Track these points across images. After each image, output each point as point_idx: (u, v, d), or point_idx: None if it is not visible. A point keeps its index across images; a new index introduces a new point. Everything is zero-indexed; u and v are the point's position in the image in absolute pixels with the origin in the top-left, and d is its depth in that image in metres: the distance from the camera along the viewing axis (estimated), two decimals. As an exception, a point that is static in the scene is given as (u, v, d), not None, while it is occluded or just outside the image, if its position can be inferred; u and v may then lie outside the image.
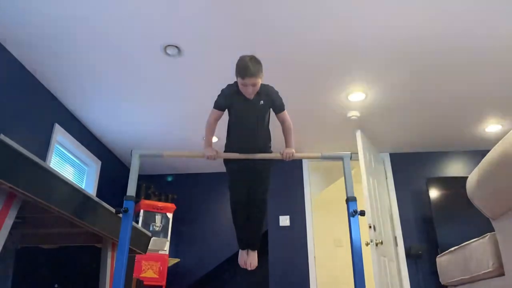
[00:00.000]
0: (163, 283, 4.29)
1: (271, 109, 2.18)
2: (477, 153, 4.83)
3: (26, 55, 3.24)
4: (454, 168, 4.97)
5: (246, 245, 2.51)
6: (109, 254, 2.17)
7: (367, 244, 3.69)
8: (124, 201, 1.94)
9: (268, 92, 2.12)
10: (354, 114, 4.15)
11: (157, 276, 4.29)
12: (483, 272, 1.96)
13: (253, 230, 2.46)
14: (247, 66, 1.97)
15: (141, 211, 4.66)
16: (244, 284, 5.34)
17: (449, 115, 4.22)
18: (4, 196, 1.41)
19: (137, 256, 3.64)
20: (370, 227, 3.80)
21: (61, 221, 1.80)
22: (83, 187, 2.58)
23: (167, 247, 4.68)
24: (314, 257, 4.70)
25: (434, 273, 3.84)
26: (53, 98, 3.77)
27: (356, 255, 1.92)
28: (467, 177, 2.05)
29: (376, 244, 3.78)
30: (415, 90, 3.77)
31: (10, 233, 1.44)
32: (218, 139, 3.32)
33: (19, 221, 1.71)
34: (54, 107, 3.80)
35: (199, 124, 3.10)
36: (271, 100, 2.13)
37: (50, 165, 3.44)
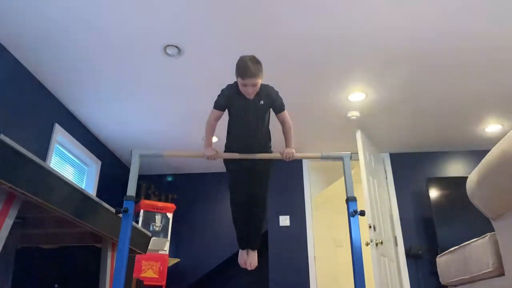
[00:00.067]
0: (163, 283, 4.30)
1: (271, 109, 2.18)
2: (477, 153, 4.84)
3: (26, 55, 3.24)
4: (454, 168, 4.97)
5: (246, 245, 2.51)
6: (109, 254, 2.17)
7: (367, 244, 3.69)
8: (124, 201, 1.94)
9: (268, 92, 2.12)
10: (354, 114, 4.15)
11: (157, 276, 4.29)
12: (483, 272, 1.96)
13: (253, 230, 2.46)
14: (247, 67, 1.97)
15: (141, 211, 4.66)
16: (244, 284, 5.34)
17: (449, 115, 4.22)
18: (4, 196, 1.41)
19: (137, 256, 3.65)
20: (370, 227, 3.80)
21: (61, 221, 1.80)
22: (83, 187, 2.58)
23: (167, 247, 4.68)
24: (314, 257, 4.70)
25: (434, 273, 3.85)
26: (53, 98, 3.77)
27: (356, 255, 1.92)
28: (467, 177, 2.05)
29: (376, 244, 3.78)
30: (415, 90, 3.77)
31: (10, 233, 1.43)
32: (218, 139, 3.32)
33: (19, 221, 1.71)
34: (54, 107, 3.80)
35: (199, 124, 3.10)
36: (271, 100, 2.13)
37: (50, 165, 3.44)
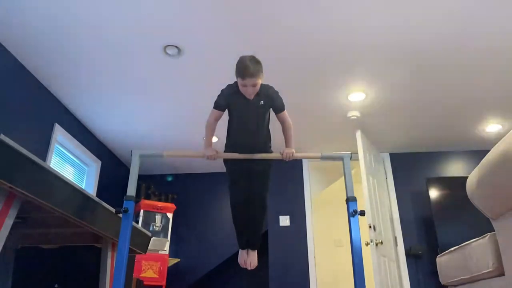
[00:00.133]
0: (163, 283, 4.30)
1: (271, 109, 2.18)
2: (477, 153, 4.84)
3: (26, 55, 3.24)
4: (454, 168, 4.97)
5: (246, 245, 2.51)
6: (109, 254, 2.17)
7: (367, 244, 3.69)
8: (124, 201, 1.94)
9: (268, 92, 2.12)
10: (354, 114, 4.15)
11: (157, 276, 4.29)
12: (483, 272, 1.96)
13: (253, 230, 2.46)
14: (247, 67, 1.96)
15: (141, 211, 4.66)
16: (244, 284, 5.35)
17: (449, 115, 4.22)
18: (4, 196, 1.41)
19: (137, 256, 3.65)
20: (370, 227, 3.80)
21: (61, 221, 1.80)
22: (83, 187, 2.58)
23: (167, 247, 4.68)
24: (314, 257, 4.70)
25: (434, 273, 3.84)
26: (53, 98, 3.77)
27: (356, 255, 1.92)
28: (467, 177, 2.05)
29: (376, 244, 3.78)
30: (415, 90, 3.77)
31: (10, 233, 1.43)
32: (218, 139, 3.32)
33: (19, 221, 1.71)
34: (54, 107, 3.80)
35: (199, 124, 3.10)
36: (271, 100, 2.13)
37: (50, 165, 3.44)
